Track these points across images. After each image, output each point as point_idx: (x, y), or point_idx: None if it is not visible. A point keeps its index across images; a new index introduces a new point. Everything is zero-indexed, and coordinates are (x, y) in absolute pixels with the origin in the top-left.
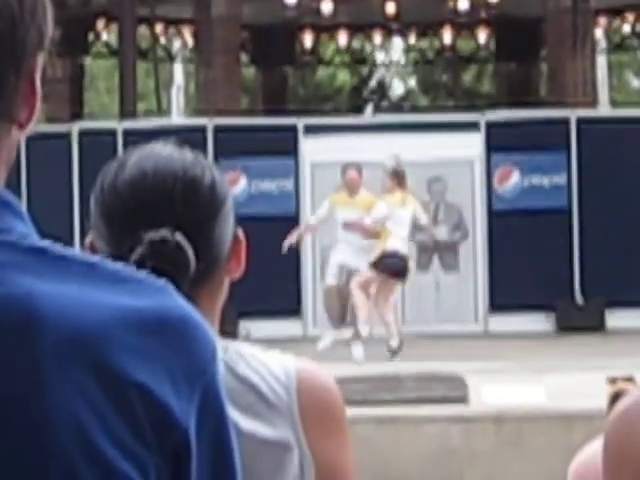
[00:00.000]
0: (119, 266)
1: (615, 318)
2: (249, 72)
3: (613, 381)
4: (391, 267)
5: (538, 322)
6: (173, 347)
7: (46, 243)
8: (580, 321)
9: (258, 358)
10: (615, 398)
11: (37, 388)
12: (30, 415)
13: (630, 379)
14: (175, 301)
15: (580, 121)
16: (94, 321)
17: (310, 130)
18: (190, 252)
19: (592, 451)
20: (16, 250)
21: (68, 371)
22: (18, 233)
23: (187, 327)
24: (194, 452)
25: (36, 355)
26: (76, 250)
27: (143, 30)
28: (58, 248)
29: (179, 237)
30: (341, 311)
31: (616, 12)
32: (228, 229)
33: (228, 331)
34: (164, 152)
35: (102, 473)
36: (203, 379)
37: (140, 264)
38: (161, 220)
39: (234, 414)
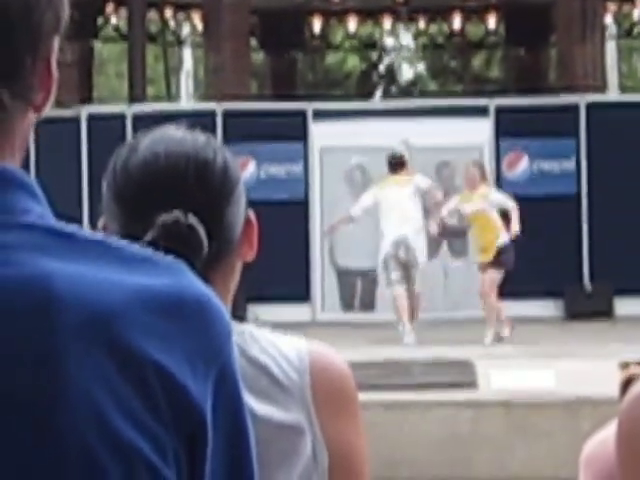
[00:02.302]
0: (135, 247)
1: (623, 304)
2: (258, 57)
3: (625, 366)
4: (509, 263)
5: (547, 308)
6: (189, 327)
7: (63, 224)
8: (588, 307)
9: (271, 341)
10: (627, 383)
11: (55, 369)
12: (48, 396)
13: None
14: (191, 282)
15: (589, 107)
16: (112, 301)
17: (319, 115)
18: (203, 234)
19: (604, 436)
20: (33, 231)
21: (86, 352)
22: (35, 214)
23: (203, 308)
24: (210, 433)
25: (55, 336)
26: (91, 230)
27: (152, 14)
28: (75, 229)
29: (192, 219)
30: (411, 310)
31: None
32: (240, 211)
33: (237, 315)
34: (176, 135)
35: (121, 454)
36: (219, 360)
37: (153, 246)
38: (174, 202)
39: (247, 397)
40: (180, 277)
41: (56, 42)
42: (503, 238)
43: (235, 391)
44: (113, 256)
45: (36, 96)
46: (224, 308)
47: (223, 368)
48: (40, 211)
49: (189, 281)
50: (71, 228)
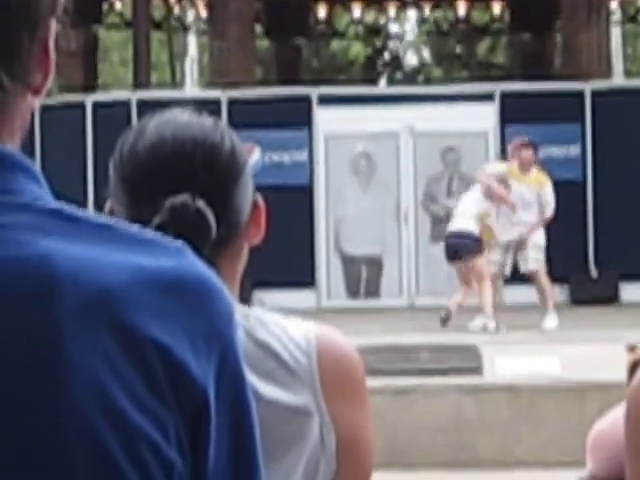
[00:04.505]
0: (135, 228)
1: (629, 290)
2: (263, 43)
3: (632, 349)
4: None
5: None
6: (191, 307)
7: (61, 205)
8: (594, 293)
9: (278, 324)
10: (635, 366)
11: (57, 349)
12: (51, 376)
13: None
14: (192, 262)
15: (594, 92)
16: (112, 281)
17: (324, 101)
18: (211, 217)
19: (612, 419)
20: (31, 211)
21: (87, 331)
22: (32, 195)
23: (204, 288)
24: (213, 413)
25: (55, 316)
26: (91, 212)
27: (157, 1)
28: (73, 210)
29: (200, 202)
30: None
31: None
32: (248, 195)
33: (244, 299)
34: (183, 118)
35: (123, 433)
36: (221, 340)
37: (161, 229)
38: (181, 185)
39: (254, 380)
40: (181, 258)
41: (53, 24)
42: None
43: (238, 371)
44: (113, 237)
45: (34, 78)
46: (226, 289)
47: (225, 348)
48: (40, 193)
49: (190, 262)
50: (71, 209)
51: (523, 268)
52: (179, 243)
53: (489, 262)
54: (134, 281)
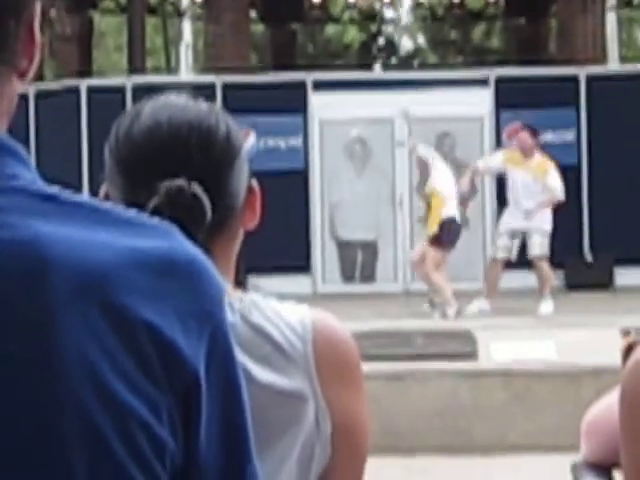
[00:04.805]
0: (125, 210)
1: (624, 275)
2: (258, 28)
3: (627, 333)
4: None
5: None
6: (181, 288)
7: (51, 188)
8: (589, 278)
9: (273, 308)
10: (629, 350)
11: (50, 331)
12: (43, 357)
13: None
14: (182, 244)
15: (589, 78)
16: (102, 262)
17: (319, 86)
18: (206, 201)
19: (606, 403)
20: (21, 194)
21: (78, 312)
22: (22, 179)
23: (194, 269)
24: (204, 393)
25: (47, 297)
26: (82, 195)
27: None
28: (62, 192)
29: (195, 186)
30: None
31: None
32: (243, 179)
33: (239, 283)
34: (179, 102)
35: (115, 413)
36: (211, 321)
37: (156, 213)
38: (177, 169)
39: (249, 365)
40: (171, 239)
41: (38, 7)
42: (447, 213)
43: (228, 352)
44: (104, 219)
45: (20, 62)
46: (216, 271)
47: (215, 329)
48: (30, 176)
49: (180, 243)
50: (59, 192)
51: (529, 253)
52: (168, 225)
53: (497, 248)
54: (124, 262)
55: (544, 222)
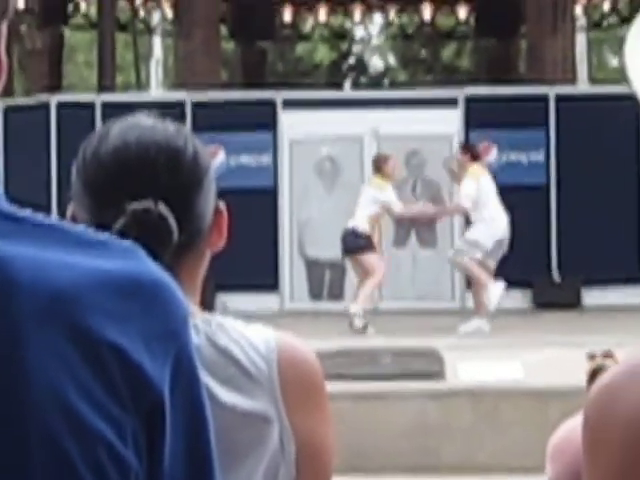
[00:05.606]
0: (90, 231)
1: (591, 295)
2: (229, 46)
3: (592, 357)
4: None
5: (515, 298)
6: (146, 309)
7: (15, 208)
8: (557, 298)
9: (239, 330)
10: (594, 374)
11: (15, 351)
12: (8, 378)
13: (609, 355)
14: (147, 265)
15: (559, 98)
16: (69, 284)
17: (289, 104)
18: (173, 222)
19: (572, 426)
20: None
21: (45, 334)
22: None
23: (159, 290)
24: (169, 414)
25: (14, 318)
26: (46, 215)
27: (122, 2)
28: (29, 214)
29: (162, 207)
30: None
31: None
32: (210, 200)
33: (206, 304)
34: (147, 123)
35: (81, 435)
36: (176, 342)
37: (123, 234)
38: (144, 190)
39: (214, 386)
40: (136, 260)
41: (4, 27)
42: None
43: (193, 374)
44: (69, 240)
45: None
46: (180, 291)
47: (180, 350)
48: None
49: (145, 264)
50: (25, 212)
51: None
52: (134, 246)
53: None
54: (90, 284)
55: (472, 231)
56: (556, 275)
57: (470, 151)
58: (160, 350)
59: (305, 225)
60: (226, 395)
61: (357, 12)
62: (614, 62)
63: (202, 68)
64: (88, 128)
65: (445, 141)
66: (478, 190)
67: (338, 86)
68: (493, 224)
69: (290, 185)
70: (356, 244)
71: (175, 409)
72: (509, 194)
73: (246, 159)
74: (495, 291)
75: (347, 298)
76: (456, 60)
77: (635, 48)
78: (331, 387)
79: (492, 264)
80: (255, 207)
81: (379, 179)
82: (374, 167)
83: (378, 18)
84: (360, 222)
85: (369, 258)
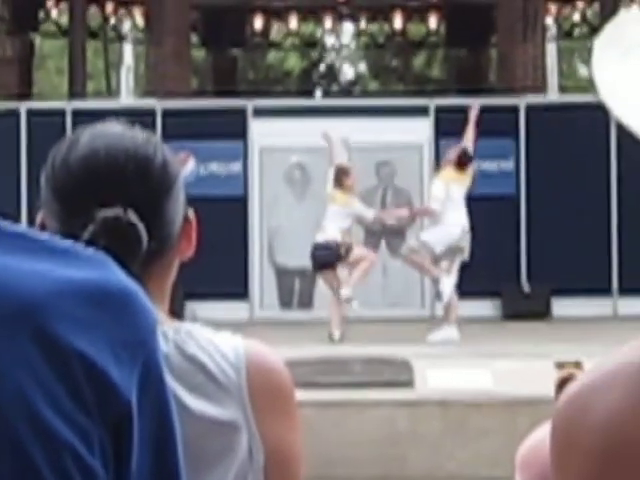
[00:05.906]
0: (58, 239)
1: (561, 305)
2: (199, 54)
3: (561, 366)
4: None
5: (484, 308)
6: (113, 318)
7: None
8: (526, 308)
9: (208, 338)
10: (562, 383)
11: None
12: None
13: (578, 364)
14: (114, 273)
15: (529, 108)
16: (36, 292)
17: (259, 112)
18: (142, 230)
19: (540, 436)
20: None
21: (11, 342)
22: None
23: (127, 299)
24: (136, 423)
25: None
26: (15, 223)
27: (93, 10)
28: None
29: (131, 215)
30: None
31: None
32: (179, 208)
33: (175, 312)
34: (116, 131)
35: (47, 444)
36: (144, 351)
37: (92, 242)
38: (113, 198)
39: (183, 394)
40: (104, 269)
41: None
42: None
43: (160, 383)
44: (36, 248)
45: None
46: (148, 300)
47: (147, 359)
48: None
49: (113, 273)
50: None
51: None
52: (103, 255)
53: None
54: (57, 292)
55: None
56: (525, 285)
57: (460, 159)
58: (128, 359)
59: (275, 233)
60: (195, 403)
61: (328, 20)
62: (585, 72)
63: (173, 76)
64: (58, 135)
65: (415, 150)
66: (446, 193)
67: (309, 94)
68: (447, 230)
69: (260, 193)
70: (333, 257)
71: (143, 417)
72: (479, 203)
73: (216, 167)
74: (448, 282)
75: (317, 307)
76: (427, 69)
77: (602, 58)
78: (300, 395)
79: (445, 265)
80: (225, 215)
81: (341, 194)
82: (335, 180)
83: (349, 27)
84: (332, 235)
85: (356, 251)
